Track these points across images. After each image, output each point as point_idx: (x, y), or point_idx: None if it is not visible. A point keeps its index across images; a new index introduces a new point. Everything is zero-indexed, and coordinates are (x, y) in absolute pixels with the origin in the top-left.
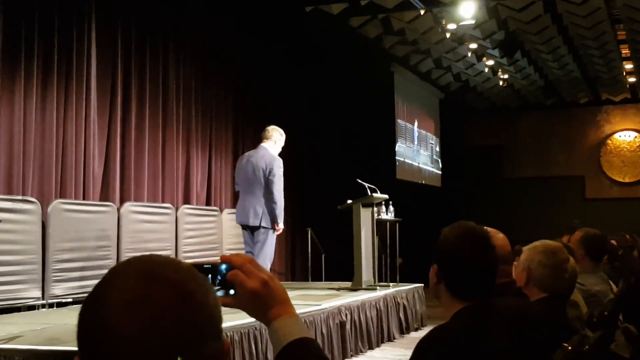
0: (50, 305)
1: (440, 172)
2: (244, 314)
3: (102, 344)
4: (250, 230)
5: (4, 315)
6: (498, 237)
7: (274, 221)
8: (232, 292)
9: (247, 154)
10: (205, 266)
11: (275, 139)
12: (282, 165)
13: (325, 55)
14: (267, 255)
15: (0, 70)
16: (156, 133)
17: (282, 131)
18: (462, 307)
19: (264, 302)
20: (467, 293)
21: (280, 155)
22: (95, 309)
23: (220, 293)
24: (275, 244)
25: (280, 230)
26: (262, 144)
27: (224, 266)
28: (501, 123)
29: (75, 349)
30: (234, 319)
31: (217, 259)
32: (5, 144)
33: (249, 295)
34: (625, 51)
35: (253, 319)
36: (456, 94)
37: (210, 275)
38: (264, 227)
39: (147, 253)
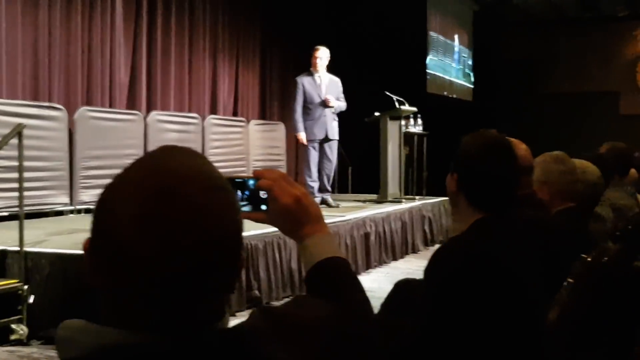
0: (78, 212)
1: (472, 86)
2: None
3: (116, 259)
4: None
5: (33, 220)
6: (521, 147)
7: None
8: (263, 207)
9: None
10: (236, 180)
11: None
12: (297, 82)
13: None
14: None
15: None
16: (183, 42)
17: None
18: (479, 217)
19: (296, 219)
20: (487, 203)
21: (305, 67)
22: (108, 220)
23: (247, 208)
24: (308, 155)
25: (300, 141)
26: None
27: (254, 181)
28: (536, 37)
29: None
30: (256, 228)
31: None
32: (30, 50)
33: (281, 211)
34: None
35: (276, 228)
36: (491, 6)
37: (239, 190)
38: None
39: (168, 146)
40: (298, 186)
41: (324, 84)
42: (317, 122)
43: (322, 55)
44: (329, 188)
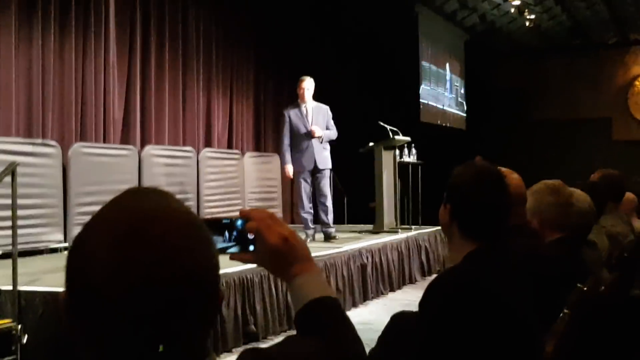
0: None
1: (465, 115)
2: None
3: (90, 299)
4: None
5: (27, 257)
6: (512, 177)
7: None
8: (251, 248)
9: None
10: (223, 221)
11: None
12: (284, 114)
13: None
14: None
15: (19, 13)
16: (176, 76)
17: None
18: (473, 248)
19: (284, 259)
20: (479, 233)
21: (297, 98)
22: (80, 262)
23: (235, 249)
24: (299, 187)
25: (287, 173)
26: None
27: (240, 222)
28: (527, 65)
29: None
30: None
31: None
32: (24, 87)
33: (269, 251)
34: None
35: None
36: (482, 36)
37: (227, 231)
38: None
39: (137, 188)
40: (285, 225)
41: (310, 114)
42: (304, 154)
43: (308, 85)
44: (327, 220)
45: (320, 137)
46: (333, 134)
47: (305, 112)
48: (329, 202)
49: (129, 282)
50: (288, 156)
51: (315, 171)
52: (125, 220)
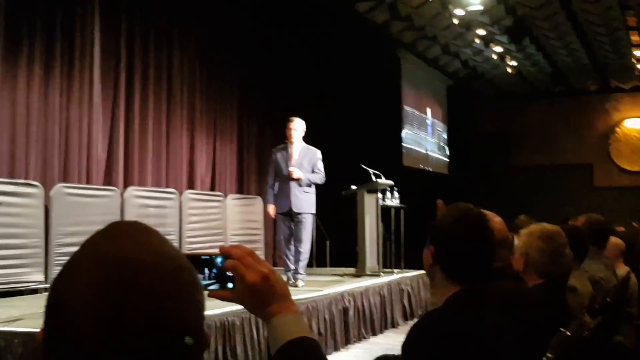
0: None
1: (447, 160)
2: None
3: (71, 350)
4: None
5: (7, 298)
6: (495, 220)
7: None
8: (229, 285)
9: None
10: (202, 257)
11: None
12: (272, 154)
13: (331, 40)
14: None
15: (3, 53)
16: (160, 117)
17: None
18: (456, 290)
19: (263, 297)
20: (463, 276)
21: (281, 140)
22: (62, 311)
23: (215, 287)
24: (278, 228)
25: (269, 214)
26: None
27: (221, 259)
28: (509, 110)
29: None
30: (233, 304)
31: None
32: (8, 126)
33: (248, 289)
34: (635, 38)
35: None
36: (464, 81)
37: (206, 268)
38: None
39: (118, 225)
40: (265, 263)
41: (296, 156)
42: (282, 195)
43: (297, 126)
44: (292, 266)
45: (299, 179)
46: (317, 177)
47: (290, 153)
48: (303, 248)
49: (115, 333)
50: (271, 196)
51: (292, 215)
52: (112, 270)
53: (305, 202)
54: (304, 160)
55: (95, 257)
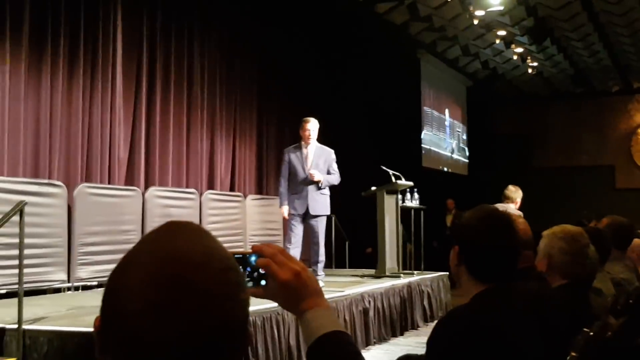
0: (76, 288)
1: (467, 161)
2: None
3: (127, 342)
4: None
5: (31, 297)
6: (519, 221)
7: None
8: (262, 282)
9: None
10: (236, 256)
11: None
12: (284, 154)
13: (351, 42)
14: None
15: (28, 55)
16: (181, 118)
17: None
18: (481, 289)
19: (296, 294)
20: (488, 276)
21: (299, 141)
22: (119, 305)
23: (249, 284)
24: (290, 227)
25: (282, 215)
26: None
27: (254, 257)
28: (530, 112)
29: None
30: (255, 303)
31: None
32: (32, 128)
33: (281, 286)
34: None
35: (275, 304)
36: (484, 82)
37: (240, 266)
38: None
39: (174, 224)
40: (296, 261)
41: (311, 157)
42: (299, 197)
43: (311, 127)
44: (316, 259)
45: (319, 181)
46: (334, 178)
47: (305, 154)
48: (321, 249)
49: (171, 330)
50: (285, 197)
51: (308, 216)
52: (167, 267)
53: (322, 204)
54: (320, 161)
55: (150, 253)
